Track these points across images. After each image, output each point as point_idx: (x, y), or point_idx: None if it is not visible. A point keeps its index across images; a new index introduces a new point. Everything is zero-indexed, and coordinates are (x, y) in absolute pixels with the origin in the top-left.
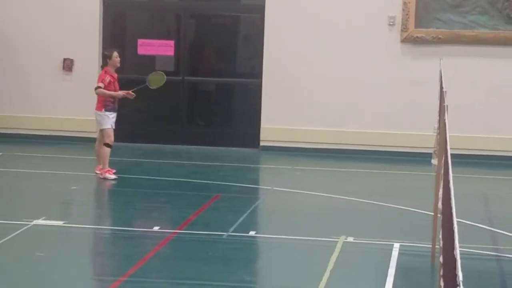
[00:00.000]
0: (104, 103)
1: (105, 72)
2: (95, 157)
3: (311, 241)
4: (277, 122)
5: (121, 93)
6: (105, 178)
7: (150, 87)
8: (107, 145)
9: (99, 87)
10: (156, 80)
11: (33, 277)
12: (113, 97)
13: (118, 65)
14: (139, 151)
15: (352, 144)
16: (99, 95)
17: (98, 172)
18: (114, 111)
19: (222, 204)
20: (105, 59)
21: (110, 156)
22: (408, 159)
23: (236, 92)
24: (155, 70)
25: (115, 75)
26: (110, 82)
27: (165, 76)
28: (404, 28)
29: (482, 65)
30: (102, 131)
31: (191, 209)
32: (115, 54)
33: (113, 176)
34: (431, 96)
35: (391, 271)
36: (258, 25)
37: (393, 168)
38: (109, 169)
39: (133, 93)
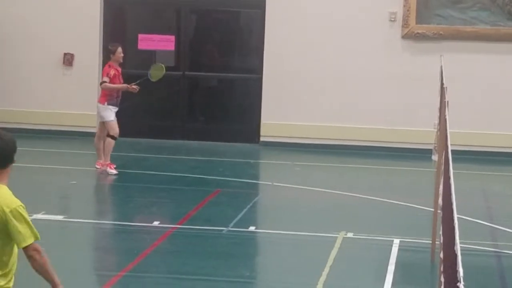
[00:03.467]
0: (108, 97)
1: (109, 66)
2: (94, 152)
3: (311, 237)
4: (277, 118)
5: (124, 85)
6: (105, 172)
7: (151, 80)
8: (112, 137)
9: (104, 81)
10: (156, 72)
11: (32, 272)
12: (118, 90)
13: (121, 60)
14: (139, 146)
15: (352, 140)
16: (104, 90)
17: (98, 166)
18: (116, 105)
19: (222, 200)
20: (109, 53)
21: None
22: (408, 155)
23: (236, 87)
24: (155, 63)
25: (119, 69)
26: (115, 75)
27: (164, 68)
28: (405, 24)
29: (482, 61)
30: (105, 124)
31: (191, 204)
32: (119, 49)
33: (114, 171)
34: (432, 92)
35: (391, 267)
36: (258, 20)
37: (394, 164)
38: (110, 163)
39: (135, 87)
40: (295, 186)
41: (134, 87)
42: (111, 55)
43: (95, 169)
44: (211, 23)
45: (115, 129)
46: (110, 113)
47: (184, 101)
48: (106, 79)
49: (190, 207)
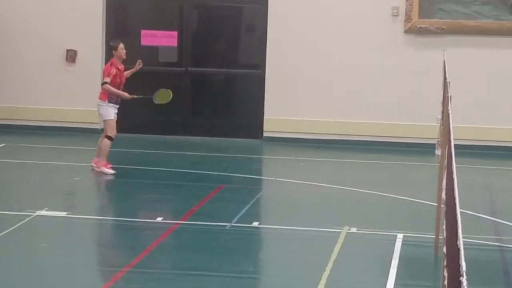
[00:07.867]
0: (109, 95)
1: (111, 64)
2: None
3: (314, 232)
4: (280, 113)
5: (126, 94)
6: (101, 172)
7: (154, 101)
8: (109, 138)
9: (106, 82)
10: (162, 96)
11: (36, 268)
12: (117, 95)
13: (124, 57)
14: (142, 142)
15: (355, 135)
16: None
17: (94, 165)
18: (117, 103)
19: (225, 195)
20: (111, 50)
21: (113, 146)
22: (411, 150)
23: (239, 83)
24: (164, 88)
25: (121, 66)
26: (116, 74)
27: (171, 95)
28: (408, 19)
29: (485, 56)
30: (104, 122)
31: (194, 200)
32: (121, 45)
33: (111, 171)
34: (435, 86)
35: (395, 262)
36: (261, 15)
37: (397, 158)
38: (107, 162)
39: (134, 97)
40: (299, 181)
41: (135, 97)
42: (113, 52)
43: (91, 166)
44: (214, 19)
45: (113, 130)
46: (110, 112)
47: (187, 96)
48: (107, 79)
49: (193, 202)
